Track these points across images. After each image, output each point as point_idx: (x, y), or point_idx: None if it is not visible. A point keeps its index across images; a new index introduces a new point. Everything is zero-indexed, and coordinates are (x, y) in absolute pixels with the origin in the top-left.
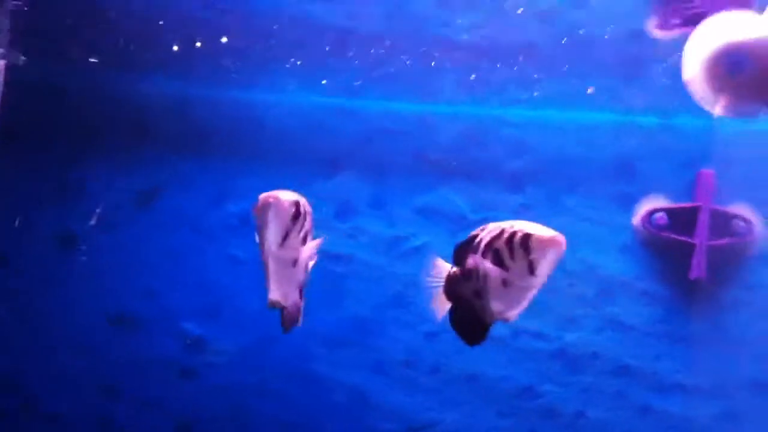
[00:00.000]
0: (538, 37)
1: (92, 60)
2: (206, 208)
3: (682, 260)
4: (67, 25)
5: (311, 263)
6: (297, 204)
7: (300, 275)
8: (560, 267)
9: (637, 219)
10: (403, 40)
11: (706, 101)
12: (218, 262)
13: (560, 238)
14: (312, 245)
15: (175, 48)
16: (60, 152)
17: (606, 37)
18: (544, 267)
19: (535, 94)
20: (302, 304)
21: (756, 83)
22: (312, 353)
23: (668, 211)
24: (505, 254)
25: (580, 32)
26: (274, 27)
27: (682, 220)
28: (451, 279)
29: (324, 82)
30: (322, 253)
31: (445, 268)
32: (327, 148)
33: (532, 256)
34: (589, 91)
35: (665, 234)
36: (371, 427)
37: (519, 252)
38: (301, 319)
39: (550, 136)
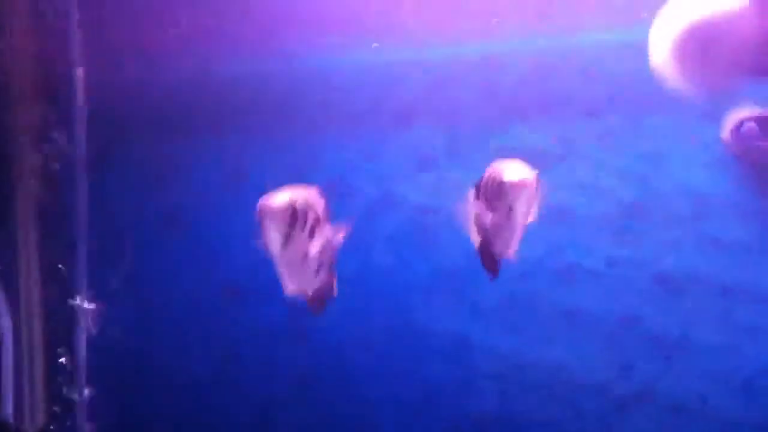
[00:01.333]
0: None
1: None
2: (296, 179)
3: None
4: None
5: (335, 244)
6: (292, 206)
7: (315, 263)
8: (652, 190)
9: (726, 131)
10: None
11: (677, 84)
12: None
13: (528, 179)
14: (325, 235)
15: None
16: (156, 140)
17: None
18: (520, 207)
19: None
20: (334, 281)
21: (728, 57)
22: (410, 304)
23: (758, 120)
24: (492, 199)
25: None
26: None
27: None
28: (476, 215)
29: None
30: (407, 206)
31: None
32: (398, 103)
33: (509, 199)
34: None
35: (757, 143)
36: (474, 371)
37: (498, 197)
38: (333, 293)
39: (626, 58)
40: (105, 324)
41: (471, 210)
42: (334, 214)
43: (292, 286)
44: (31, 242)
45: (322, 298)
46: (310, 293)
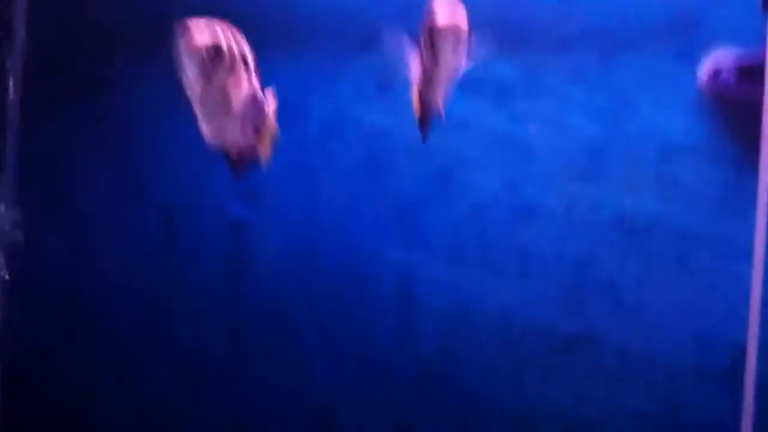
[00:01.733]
0: None
1: None
2: None
3: (754, 119)
4: None
5: (266, 103)
6: (216, 42)
7: (238, 112)
8: (617, 130)
9: (701, 76)
10: None
11: None
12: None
13: (458, 25)
14: (254, 85)
15: None
16: (88, 47)
17: None
18: (446, 54)
19: None
20: (260, 145)
21: None
22: (356, 232)
23: (737, 70)
24: (424, 45)
25: None
26: None
27: (753, 76)
28: None
29: None
30: (362, 130)
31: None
32: (361, 23)
33: (437, 44)
34: None
35: (734, 93)
36: (417, 306)
37: (428, 42)
38: (260, 157)
39: None
40: (24, 250)
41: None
42: (283, 136)
43: (209, 131)
44: None
45: (244, 158)
46: (231, 147)
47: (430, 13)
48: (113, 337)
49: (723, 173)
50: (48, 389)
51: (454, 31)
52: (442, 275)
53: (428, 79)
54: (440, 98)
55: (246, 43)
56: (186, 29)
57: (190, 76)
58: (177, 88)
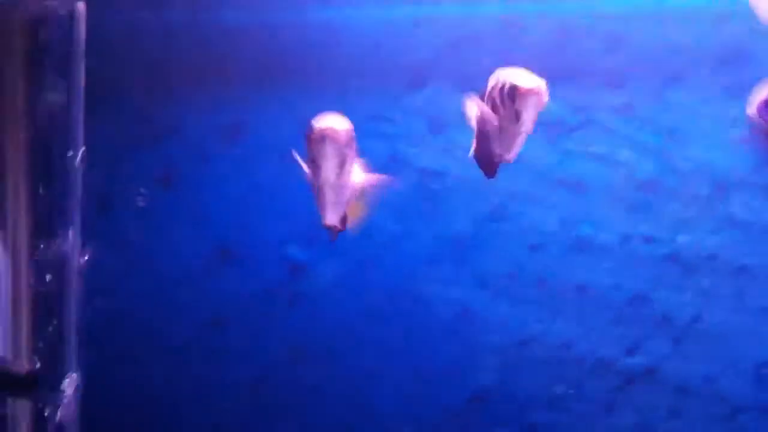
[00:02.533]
0: None
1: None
2: (295, 137)
3: None
4: None
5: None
6: (351, 131)
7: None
8: (670, 167)
9: (751, 109)
10: None
11: None
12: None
13: (540, 88)
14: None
15: None
16: (147, 95)
17: None
18: (528, 114)
19: None
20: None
21: None
22: (413, 272)
23: None
24: (498, 103)
25: None
26: None
27: None
28: (477, 120)
29: None
30: (415, 169)
31: (474, 109)
32: (410, 62)
33: (519, 104)
34: None
35: None
36: (477, 341)
37: (508, 101)
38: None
39: (650, 26)
40: (90, 282)
41: (472, 112)
42: None
43: (332, 218)
44: (20, 192)
45: (338, 228)
46: (339, 225)
47: (508, 75)
48: (172, 362)
49: None
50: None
51: (537, 95)
52: (500, 311)
53: (505, 134)
54: (515, 151)
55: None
56: (328, 126)
57: (330, 166)
58: (234, 132)
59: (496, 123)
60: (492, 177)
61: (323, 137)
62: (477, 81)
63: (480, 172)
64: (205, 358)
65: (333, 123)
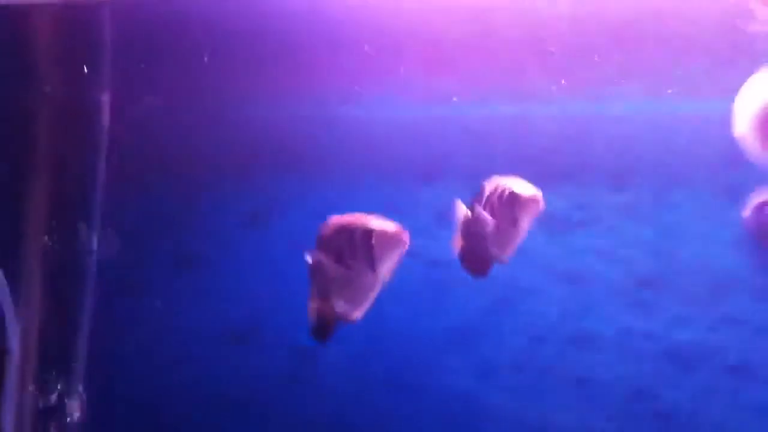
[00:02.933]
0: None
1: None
2: (315, 225)
3: None
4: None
5: None
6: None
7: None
8: (669, 265)
9: (746, 212)
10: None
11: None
12: None
13: (539, 197)
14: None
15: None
16: (171, 179)
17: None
18: (526, 220)
19: (635, 86)
20: None
21: None
22: (419, 362)
23: None
24: (496, 208)
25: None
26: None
27: None
28: (465, 222)
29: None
30: (422, 260)
31: (463, 211)
32: (423, 156)
33: (518, 210)
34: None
35: None
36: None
37: (507, 206)
38: None
39: (653, 130)
40: (105, 364)
41: (462, 215)
42: None
43: (360, 313)
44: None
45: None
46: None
47: (504, 182)
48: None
49: None
50: None
51: (536, 203)
52: (502, 399)
53: (502, 237)
54: (511, 252)
55: None
56: (400, 231)
57: (387, 272)
58: (253, 218)
59: (492, 226)
60: (483, 277)
61: (394, 241)
62: (485, 177)
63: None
64: None
65: (392, 226)
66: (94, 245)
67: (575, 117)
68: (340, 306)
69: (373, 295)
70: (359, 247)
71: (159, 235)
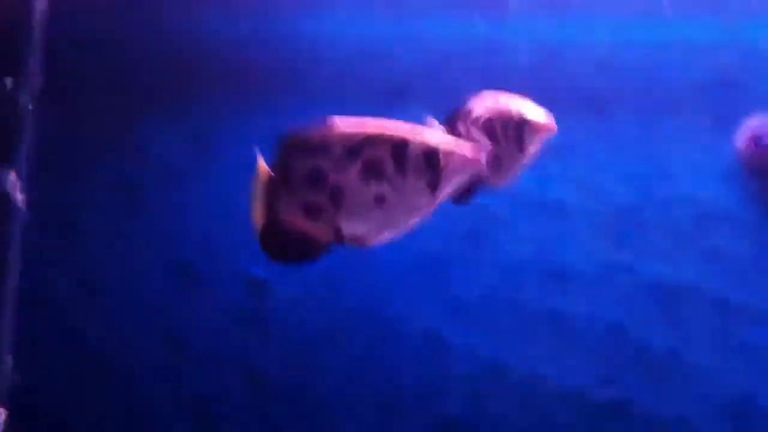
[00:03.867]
0: None
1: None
2: (269, 152)
3: None
4: None
5: None
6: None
7: None
8: (653, 196)
9: (741, 141)
10: None
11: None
12: None
13: (552, 124)
14: None
15: None
16: (111, 104)
17: None
18: (534, 147)
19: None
20: None
21: None
22: (382, 294)
23: None
24: (498, 131)
25: None
26: None
27: None
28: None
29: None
30: None
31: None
32: (389, 79)
33: (525, 136)
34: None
35: None
36: (445, 371)
37: (511, 131)
38: None
39: (639, 54)
40: (40, 295)
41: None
42: None
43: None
44: None
45: None
46: None
47: (510, 104)
48: (125, 382)
49: (761, 242)
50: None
51: (549, 131)
52: (471, 337)
53: (501, 163)
54: (509, 181)
55: None
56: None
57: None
58: (201, 146)
59: (489, 150)
60: (466, 204)
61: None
62: (457, 101)
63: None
64: (159, 377)
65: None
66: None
67: (555, 41)
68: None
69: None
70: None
71: (96, 166)
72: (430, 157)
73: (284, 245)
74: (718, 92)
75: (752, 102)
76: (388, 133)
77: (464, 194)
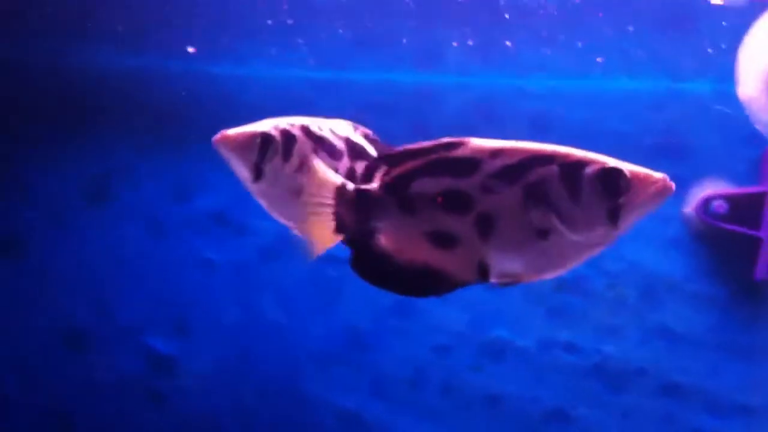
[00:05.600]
0: None
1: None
2: (169, 202)
3: (744, 257)
4: None
5: None
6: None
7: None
8: (596, 266)
9: (689, 207)
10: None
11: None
12: (185, 266)
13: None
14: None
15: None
16: None
17: None
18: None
19: (560, 59)
20: None
21: None
22: (300, 371)
23: (728, 198)
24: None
25: None
26: None
27: (744, 208)
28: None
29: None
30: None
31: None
32: None
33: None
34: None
35: (724, 225)
36: None
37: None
38: None
39: (579, 108)
40: None
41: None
42: (216, 251)
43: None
44: None
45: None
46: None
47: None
48: None
49: (712, 318)
50: None
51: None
52: (398, 423)
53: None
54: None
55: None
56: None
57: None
58: (96, 193)
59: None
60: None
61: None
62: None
63: None
64: None
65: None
66: None
67: (488, 89)
68: (505, 262)
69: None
70: (591, 191)
71: None
72: (611, 181)
73: (397, 275)
74: (664, 152)
75: (701, 163)
76: (556, 151)
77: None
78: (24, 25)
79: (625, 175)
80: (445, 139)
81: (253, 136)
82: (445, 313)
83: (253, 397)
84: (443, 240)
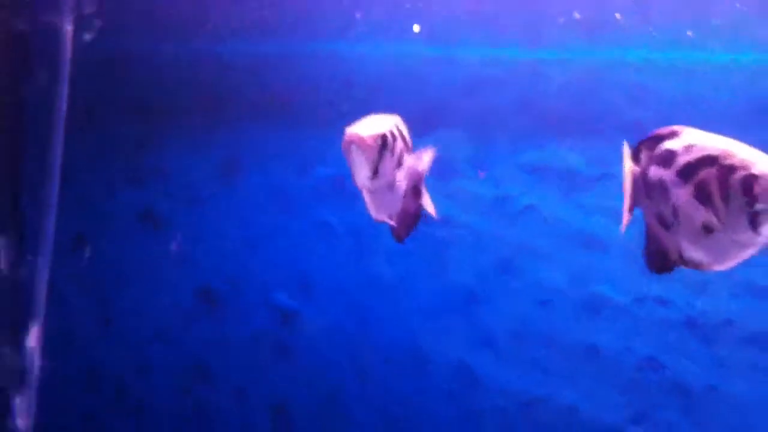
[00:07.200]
0: None
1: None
2: (294, 175)
3: None
4: None
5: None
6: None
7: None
8: None
9: None
10: None
11: None
12: (307, 231)
13: None
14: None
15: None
16: (135, 127)
17: None
18: None
19: (656, 33)
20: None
21: None
22: (413, 326)
23: None
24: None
25: None
26: None
27: None
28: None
29: (417, 28)
30: (422, 218)
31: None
32: (423, 102)
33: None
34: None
35: None
36: (479, 405)
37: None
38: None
39: (676, 80)
40: (59, 325)
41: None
42: (336, 217)
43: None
44: None
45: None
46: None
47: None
48: (147, 414)
49: None
50: None
51: None
52: (503, 371)
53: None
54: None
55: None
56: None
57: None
58: (226, 172)
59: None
60: (400, 242)
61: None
62: (491, 128)
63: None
64: (183, 416)
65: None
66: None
67: (588, 65)
68: (692, 252)
69: (742, 256)
70: (735, 195)
71: (123, 192)
72: (750, 189)
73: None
74: (763, 112)
75: None
76: (724, 151)
77: (403, 228)
78: (155, 22)
79: (756, 181)
80: (668, 128)
81: (379, 137)
82: (547, 271)
83: (370, 349)
84: (664, 224)
